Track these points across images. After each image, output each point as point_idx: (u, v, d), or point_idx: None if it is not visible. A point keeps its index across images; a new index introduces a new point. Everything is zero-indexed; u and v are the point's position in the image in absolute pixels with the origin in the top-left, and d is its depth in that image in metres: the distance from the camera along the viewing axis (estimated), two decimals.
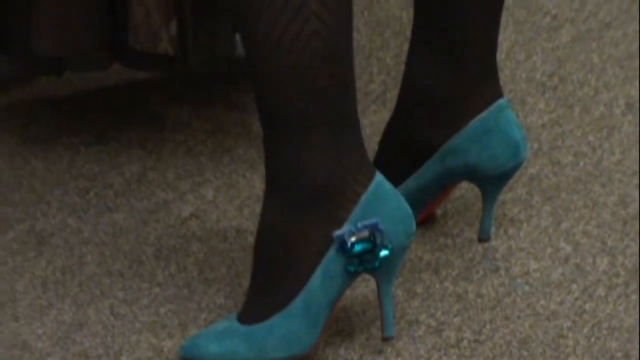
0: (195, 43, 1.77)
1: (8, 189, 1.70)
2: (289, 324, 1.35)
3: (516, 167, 1.50)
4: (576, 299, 1.48)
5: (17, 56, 1.86)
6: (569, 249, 1.56)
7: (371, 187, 1.32)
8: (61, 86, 1.92)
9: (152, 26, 1.73)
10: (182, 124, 1.86)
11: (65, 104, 1.90)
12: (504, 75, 1.66)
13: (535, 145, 1.70)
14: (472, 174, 1.50)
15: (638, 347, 1.43)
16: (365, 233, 1.28)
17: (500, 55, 1.60)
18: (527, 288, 1.50)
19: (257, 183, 1.60)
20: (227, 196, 1.65)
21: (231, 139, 1.76)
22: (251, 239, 1.41)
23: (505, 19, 1.61)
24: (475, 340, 1.44)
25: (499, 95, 1.51)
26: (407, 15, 1.51)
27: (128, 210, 1.63)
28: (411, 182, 1.49)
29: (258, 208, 1.45)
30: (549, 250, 1.56)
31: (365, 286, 1.37)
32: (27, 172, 1.73)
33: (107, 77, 1.91)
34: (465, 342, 1.44)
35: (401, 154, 1.53)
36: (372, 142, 1.41)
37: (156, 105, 1.93)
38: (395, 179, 1.43)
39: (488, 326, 1.44)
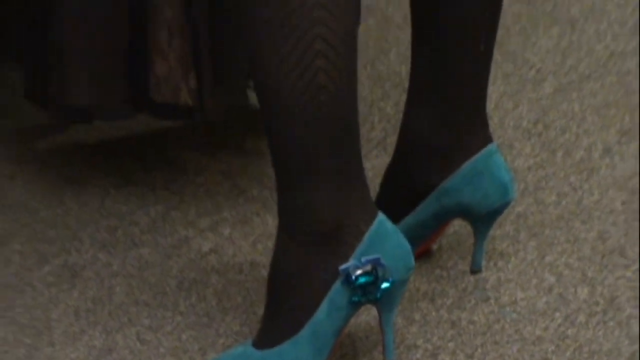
0: (212, 94, 1.76)
1: (45, 227, 1.71)
2: (297, 351, 1.36)
3: (505, 206, 1.51)
4: (559, 325, 1.49)
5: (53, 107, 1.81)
6: (552, 280, 1.59)
7: (374, 226, 1.33)
8: (92, 133, 1.94)
9: (173, 80, 1.73)
10: (202, 168, 1.87)
11: (95, 150, 1.92)
12: (493, 122, 1.66)
13: (522, 186, 1.73)
14: (465, 212, 1.51)
15: None
16: (368, 267, 1.29)
17: (489, 105, 1.61)
18: (514, 315, 1.52)
19: (269, 221, 1.62)
20: (243, 233, 1.66)
21: (246, 181, 1.77)
22: (264, 272, 1.42)
23: (494, 72, 1.59)
24: None
25: (489, 140, 1.52)
26: (405, 70, 1.55)
27: (153, 246, 1.65)
28: (410, 219, 1.50)
29: (271, 244, 1.44)
30: (534, 281, 1.59)
31: (367, 314, 1.39)
32: (62, 211, 1.74)
33: (133, 125, 1.92)
34: None
35: (400, 195, 1.54)
36: (374, 183, 1.42)
37: (178, 151, 1.95)
38: (395, 217, 1.39)
39: (480, 350, 1.46)
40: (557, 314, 1.50)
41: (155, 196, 1.78)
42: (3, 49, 1.94)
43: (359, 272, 1.30)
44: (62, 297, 1.55)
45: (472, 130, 1.53)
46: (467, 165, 1.51)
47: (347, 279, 1.30)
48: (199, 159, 1.92)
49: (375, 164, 1.49)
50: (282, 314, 1.36)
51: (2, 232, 1.72)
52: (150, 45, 1.73)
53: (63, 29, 1.76)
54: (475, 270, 1.53)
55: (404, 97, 1.52)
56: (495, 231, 1.56)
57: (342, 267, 1.30)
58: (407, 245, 1.34)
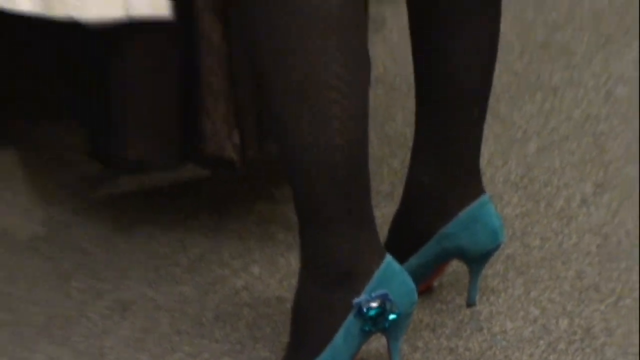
0: (253, 149, 1.82)
1: (99, 267, 1.76)
2: None
3: (495, 249, 1.54)
4: (543, 351, 1.55)
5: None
6: (537, 312, 1.64)
7: (382, 266, 1.36)
8: (142, 182, 1.98)
9: (219, 137, 1.75)
10: (235, 215, 1.89)
11: (144, 198, 1.97)
12: (485, 177, 1.67)
13: (510, 231, 1.78)
14: (462, 254, 1.54)
15: None
16: (378, 301, 1.33)
17: (482, 161, 1.64)
18: (504, 343, 1.57)
19: (293, 262, 1.64)
20: (270, 272, 1.70)
21: (274, 227, 1.81)
22: (289, 306, 1.45)
23: (486, 133, 1.61)
24: None
25: (482, 192, 1.55)
26: (410, 132, 1.54)
27: (192, 284, 1.70)
28: (413, 261, 1.53)
29: (294, 281, 1.45)
30: (521, 313, 1.64)
31: (377, 341, 1.42)
32: (113, 253, 1.80)
33: (176, 176, 1.99)
34: None
35: (405, 239, 1.57)
36: (383, 230, 1.47)
37: (215, 199, 1.98)
38: (401, 258, 1.42)
39: None
40: (541, 342, 1.54)
41: (194, 240, 1.81)
42: (65, 110, 2.00)
43: (369, 305, 1.33)
44: (114, 327, 1.60)
45: (468, 183, 1.55)
46: (463, 214, 1.53)
47: (360, 312, 1.34)
48: (232, 207, 1.95)
49: (384, 213, 1.52)
50: (304, 341, 1.40)
51: (63, 271, 1.75)
52: (198, 108, 1.76)
53: (124, 94, 1.79)
54: (470, 304, 1.57)
55: (409, 155, 1.57)
56: (487, 270, 1.60)
57: (356, 301, 1.33)
58: (411, 283, 1.38)
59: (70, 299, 1.66)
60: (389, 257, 1.39)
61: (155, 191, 1.95)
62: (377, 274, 1.37)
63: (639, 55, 2.34)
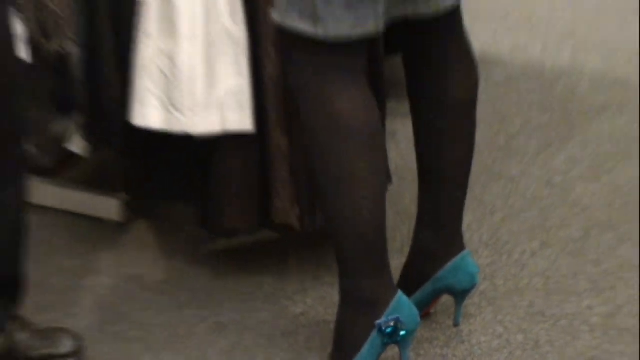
0: (310, 219, 1.84)
1: (204, 299, 1.82)
2: None
3: (473, 287, 1.63)
4: (506, 358, 1.62)
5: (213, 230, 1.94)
6: (501, 330, 1.70)
7: (396, 298, 1.45)
8: (232, 242, 2.00)
9: (286, 210, 1.81)
10: (295, 264, 1.94)
11: (234, 252, 1.99)
12: (465, 237, 1.76)
13: (482, 275, 1.82)
14: (450, 291, 1.63)
15: None
16: (392, 322, 1.43)
17: (464, 227, 1.76)
18: (479, 352, 1.65)
19: (335, 296, 1.59)
20: (320, 303, 1.77)
21: (322, 271, 1.87)
22: (332, 326, 1.53)
23: (466, 207, 1.75)
24: None
25: (463, 248, 1.62)
26: (414, 208, 1.53)
27: (267, 311, 1.75)
28: (417, 295, 1.61)
29: (335, 310, 1.56)
30: (490, 330, 1.69)
31: (392, 350, 1.49)
32: (214, 290, 1.84)
33: (257, 237, 1.99)
34: None
35: (411, 280, 1.64)
36: (396, 273, 1.56)
37: (282, 253, 2.00)
38: (409, 293, 1.53)
39: None
40: (505, 351, 1.62)
41: (268, 280, 1.87)
42: (183, 192, 1.97)
43: (387, 325, 1.43)
44: (214, 342, 1.66)
45: (453, 242, 1.62)
46: (451, 264, 1.60)
47: (380, 329, 1.44)
48: (294, 258, 1.98)
49: (397, 263, 1.59)
50: (341, 350, 1.50)
51: (179, 302, 1.80)
52: (272, 191, 1.79)
53: (222, 180, 1.80)
54: (456, 324, 1.67)
55: (414, 224, 1.66)
56: (467, 301, 1.67)
57: (377, 322, 1.43)
58: (415, 311, 1.49)
59: (184, 323, 1.71)
60: (400, 292, 1.48)
61: (241, 248, 1.98)
62: (392, 304, 1.45)
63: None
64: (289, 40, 1.44)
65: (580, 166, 2.22)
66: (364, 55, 1.44)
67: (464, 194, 1.64)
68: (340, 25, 1.36)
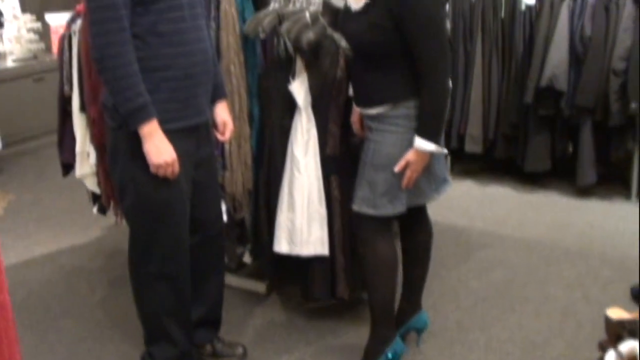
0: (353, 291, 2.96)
1: (287, 340, 3.11)
2: None
3: (425, 328, 2.75)
4: None
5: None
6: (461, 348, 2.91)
7: (396, 337, 2.61)
8: (311, 306, 3.09)
9: (344, 289, 2.90)
10: (346, 321, 3.03)
11: (310, 313, 3.08)
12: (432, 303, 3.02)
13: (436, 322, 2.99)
14: (414, 330, 2.74)
15: None
16: (393, 351, 2.63)
17: (433, 299, 3.03)
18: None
19: (364, 336, 2.75)
20: (358, 340, 2.78)
21: (359, 323, 2.92)
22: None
23: (434, 286, 3.01)
24: None
25: (421, 307, 2.71)
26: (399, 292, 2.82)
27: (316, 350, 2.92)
28: (400, 330, 2.75)
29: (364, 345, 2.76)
30: (446, 352, 2.88)
31: None
32: (300, 339, 3.04)
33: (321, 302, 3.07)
34: None
35: (397, 322, 2.75)
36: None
37: (334, 315, 3.11)
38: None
39: None
40: None
41: (309, 340, 2.95)
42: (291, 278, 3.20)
43: (392, 351, 2.62)
44: None
45: (416, 305, 2.84)
46: (414, 317, 2.85)
47: (386, 355, 2.61)
48: (344, 317, 3.13)
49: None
50: None
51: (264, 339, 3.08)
52: (336, 278, 2.96)
53: (314, 273, 3.00)
54: (418, 345, 2.88)
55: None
56: (426, 335, 2.87)
57: (386, 349, 2.62)
58: (402, 345, 2.65)
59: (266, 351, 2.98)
60: (397, 334, 2.70)
61: (317, 310, 3.17)
62: (395, 340, 2.72)
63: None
64: (360, 216, 2.67)
65: None
66: (394, 220, 2.75)
67: (422, 285, 2.93)
68: (385, 210, 2.62)
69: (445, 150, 2.69)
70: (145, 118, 2.37)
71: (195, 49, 2.48)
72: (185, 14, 2.44)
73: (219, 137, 2.81)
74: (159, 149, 2.40)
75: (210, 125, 2.74)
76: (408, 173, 2.59)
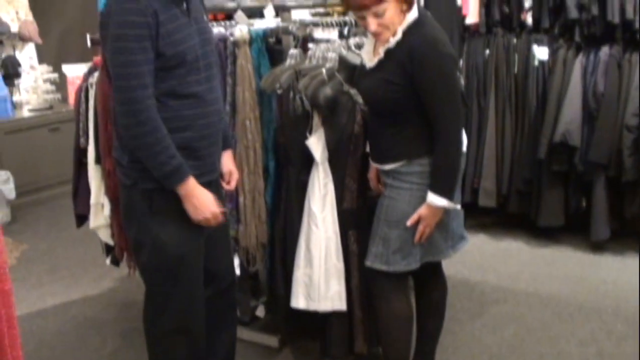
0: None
1: None
2: None
3: None
4: None
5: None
6: None
7: None
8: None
9: (361, 345, 2.94)
10: None
11: None
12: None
13: None
14: None
15: None
16: None
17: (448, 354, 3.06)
18: None
19: None
20: None
21: None
22: None
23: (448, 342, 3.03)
24: None
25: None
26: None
27: None
28: None
29: None
30: None
31: None
32: None
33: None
34: None
35: None
36: None
37: None
38: None
39: None
40: None
41: None
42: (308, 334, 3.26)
43: None
44: None
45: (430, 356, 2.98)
46: None
47: None
48: None
49: None
50: None
51: None
52: (354, 335, 3.01)
53: (332, 332, 3.07)
54: None
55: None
56: None
57: None
58: None
59: None
60: None
61: None
62: None
63: None
64: (373, 272, 2.72)
65: None
66: (409, 275, 2.79)
67: (436, 340, 2.97)
68: (398, 266, 2.68)
69: (459, 206, 2.71)
70: (181, 179, 2.43)
71: (211, 110, 2.55)
72: (202, 77, 2.51)
73: (225, 186, 2.85)
74: (197, 206, 2.47)
75: (219, 179, 2.80)
76: (420, 228, 2.63)
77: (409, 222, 2.64)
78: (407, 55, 2.52)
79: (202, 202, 2.49)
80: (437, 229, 2.68)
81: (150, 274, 2.65)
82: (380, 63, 2.63)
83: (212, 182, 2.65)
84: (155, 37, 2.36)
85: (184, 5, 2.49)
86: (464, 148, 2.75)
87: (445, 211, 2.65)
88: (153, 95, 2.39)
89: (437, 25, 2.63)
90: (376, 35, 2.60)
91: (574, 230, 4.97)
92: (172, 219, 2.53)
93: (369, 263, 2.75)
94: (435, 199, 2.57)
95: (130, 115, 2.37)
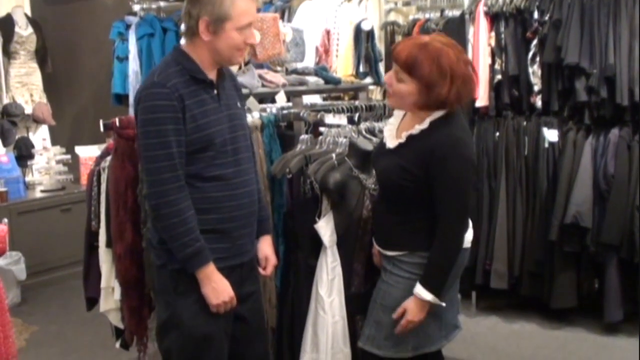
0: None
1: None
2: None
3: None
4: None
5: None
6: None
7: None
8: None
9: None
10: None
11: None
12: None
13: None
14: None
15: None
16: None
17: None
18: None
19: None
20: None
21: None
22: None
23: None
24: None
25: None
26: None
27: None
28: None
29: None
30: None
31: None
32: None
33: None
34: None
35: None
36: None
37: None
38: None
39: None
40: None
41: None
42: None
43: None
44: None
45: None
46: None
47: None
48: None
49: None
50: None
51: None
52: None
53: None
54: None
55: None
56: None
57: None
58: None
59: None
60: None
61: None
62: None
63: None
64: (366, 353, 2.76)
65: None
66: None
67: None
68: (389, 352, 2.68)
69: (444, 304, 2.69)
70: (202, 263, 2.49)
71: (240, 193, 2.61)
72: (230, 160, 2.58)
73: (261, 271, 2.88)
74: (216, 290, 2.51)
75: (255, 261, 2.82)
76: (403, 322, 2.63)
77: (394, 315, 2.66)
78: (429, 149, 2.56)
79: (217, 290, 2.52)
80: (432, 319, 2.69)
81: (173, 354, 2.65)
82: (401, 146, 2.66)
83: (244, 264, 2.70)
84: (182, 121, 2.45)
85: (214, 91, 2.58)
86: (469, 243, 2.80)
87: (431, 306, 2.65)
88: (183, 177, 2.46)
89: (465, 123, 2.68)
90: (387, 86, 2.67)
91: (587, 312, 4.96)
92: (197, 300, 2.56)
93: (361, 344, 2.77)
94: (422, 292, 2.59)
95: (159, 197, 2.45)
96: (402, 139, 2.67)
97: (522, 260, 5.02)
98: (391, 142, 2.73)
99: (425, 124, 2.62)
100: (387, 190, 2.76)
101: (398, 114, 2.81)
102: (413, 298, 2.62)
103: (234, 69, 3.44)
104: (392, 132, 2.78)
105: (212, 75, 2.59)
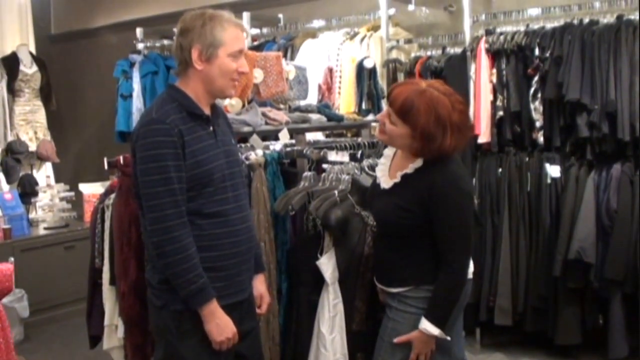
0: None
1: None
2: None
3: None
4: None
5: None
6: None
7: None
8: None
9: None
10: None
11: None
12: None
13: None
14: None
15: None
16: None
17: None
18: None
19: None
20: None
21: None
22: None
23: None
24: None
25: None
26: None
27: None
28: None
29: None
30: None
31: None
32: None
33: None
34: None
35: None
36: None
37: None
38: None
39: None
40: None
41: None
42: None
43: None
44: None
45: None
46: None
47: None
48: None
49: None
50: None
51: None
52: None
53: None
54: None
55: None
56: None
57: None
58: None
59: None
60: None
61: None
62: None
63: None
64: None
65: None
66: None
67: None
68: None
69: (449, 338, 2.70)
70: (207, 299, 2.48)
71: (239, 229, 2.61)
72: (229, 196, 2.59)
73: (257, 310, 2.86)
74: (220, 327, 2.50)
75: (253, 298, 2.82)
76: (412, 355, 2.63)
77: (396, 339, 2.65)
78: (426, 188, 2.57)
79: (220, 326, 2.52)
80: (440, 354, 2.69)
81: None
82: (396, 186, 2.68)
83: (244, 301, 2.70)
84: (183, 157, 2.46)
85: (210, 127, 2.60)
86: (471, 274, 2.80)
87: (437, 340, 2.66)
88: (185, 213, 2.47)
89: (459, 159, 2.69)
90: (380, 124, 2.68)
91: (591, 347, 4.93)
92: (199, 340, 2.55)
93: None
94: (428, 326, 2.60)
95: (162, 233, 2.44)
96: (397, 179, 2.69)
97: (526, 295, 5.01)
98: (386, 183, 2.75)
99: (419, 163, 2.64)
100: (387, 230, 2.77)
101: (388, 153, 2.83)
102: (419, 333, 2.62)
103: (238, 107, 3.53)
104: (385, 172, 2.79)
105: (207, 110, 2.62)
